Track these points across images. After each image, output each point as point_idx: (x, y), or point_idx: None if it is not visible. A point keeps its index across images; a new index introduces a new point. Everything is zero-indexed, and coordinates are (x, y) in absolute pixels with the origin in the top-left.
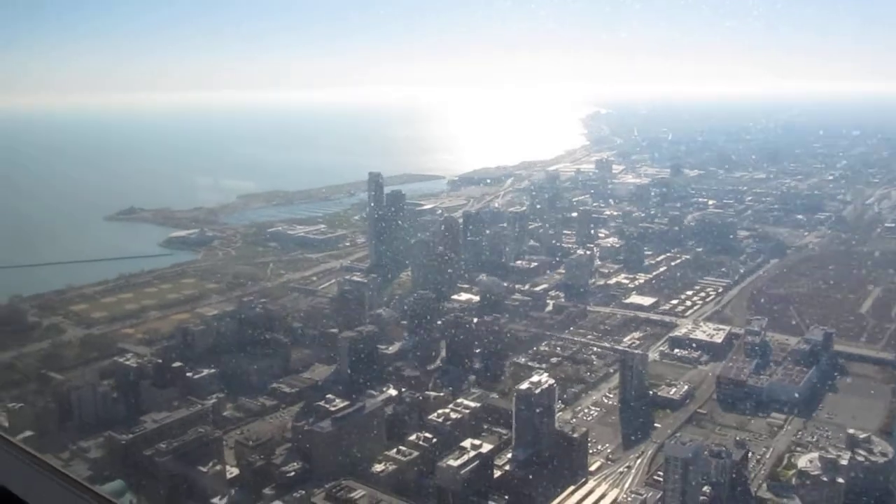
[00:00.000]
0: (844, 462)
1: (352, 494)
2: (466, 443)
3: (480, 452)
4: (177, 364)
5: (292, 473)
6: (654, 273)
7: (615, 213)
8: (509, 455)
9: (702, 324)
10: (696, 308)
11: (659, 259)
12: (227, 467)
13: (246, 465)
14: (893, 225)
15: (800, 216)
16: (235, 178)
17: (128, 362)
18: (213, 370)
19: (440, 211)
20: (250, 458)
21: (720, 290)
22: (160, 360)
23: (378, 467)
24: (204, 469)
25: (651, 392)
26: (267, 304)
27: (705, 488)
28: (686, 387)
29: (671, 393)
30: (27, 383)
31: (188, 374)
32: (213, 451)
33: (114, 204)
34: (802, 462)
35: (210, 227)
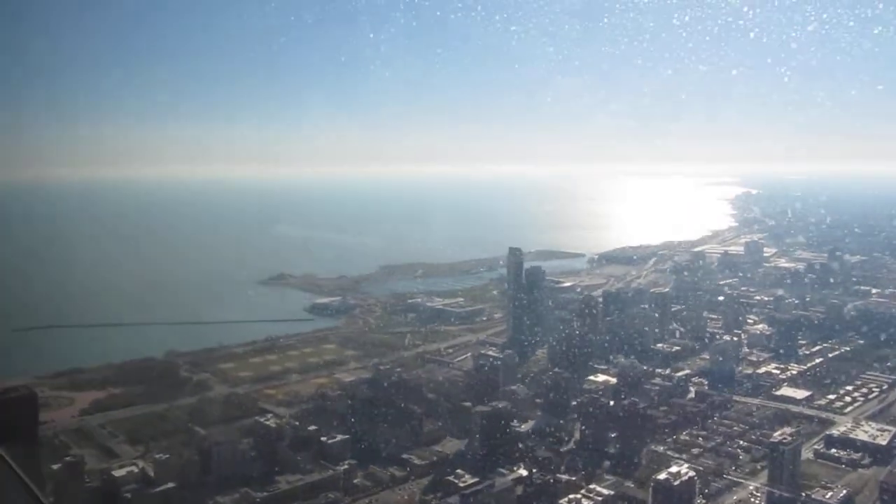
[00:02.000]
0: None
1: None
2: None
3: None
4: (312, 427)
5: None
6: (809, 364)
7: (766, 299)
8: None
9: (863, 423)
10: (856, 405)
11: (814, 350)
12: None
13: None
14: None
15: None
16: (377, 249)
17: (267, 422)
18: (346, 436)
19: (580, 289)
20: None
21: (885, 388)
22: (297, 423)
23: None
24: None
25: (804, 494)
26: (402, 374)
27: None
28: (844, 491)
29: (827, 497)
30: (174, 435)
31: (322, 439)
32: None
33: (268, 268)
34: None
35: (352, 296)
